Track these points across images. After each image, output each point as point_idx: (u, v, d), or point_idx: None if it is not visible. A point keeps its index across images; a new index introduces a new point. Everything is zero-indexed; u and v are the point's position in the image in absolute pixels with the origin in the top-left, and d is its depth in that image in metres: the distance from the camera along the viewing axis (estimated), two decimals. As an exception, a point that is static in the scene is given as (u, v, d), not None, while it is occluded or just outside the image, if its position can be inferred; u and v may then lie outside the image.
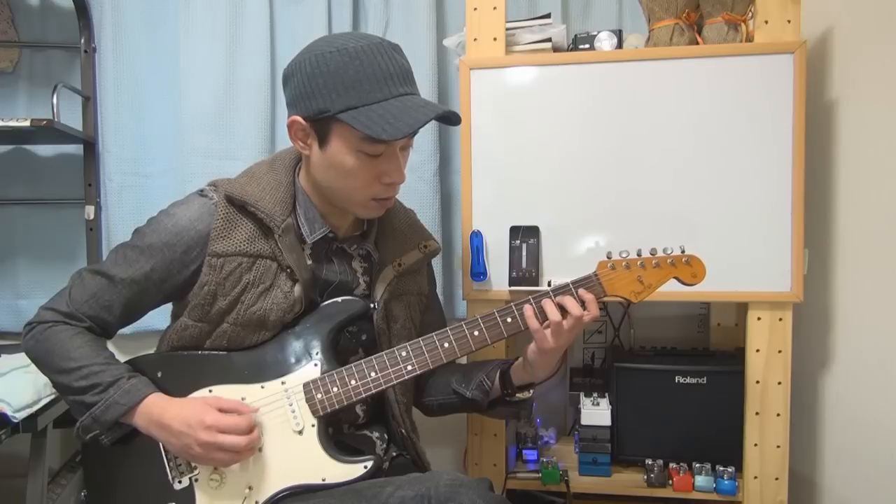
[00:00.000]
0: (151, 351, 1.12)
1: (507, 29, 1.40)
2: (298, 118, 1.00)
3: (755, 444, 1.37)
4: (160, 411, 0.98)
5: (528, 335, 1.07)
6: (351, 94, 0.95)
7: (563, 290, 1.06)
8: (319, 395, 1.03)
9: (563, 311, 1.04)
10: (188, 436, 0.95)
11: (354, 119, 0.94)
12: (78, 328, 1.04)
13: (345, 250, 1.13)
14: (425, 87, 1.69)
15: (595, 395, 1.50)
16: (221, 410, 0.98)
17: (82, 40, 1.74)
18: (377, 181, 1.02)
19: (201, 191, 1.08)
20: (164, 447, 1.02)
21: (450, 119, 1.01)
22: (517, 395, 1.15)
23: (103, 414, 0.98)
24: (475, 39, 1.40)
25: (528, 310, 1.05)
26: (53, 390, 1.39)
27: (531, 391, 1.15)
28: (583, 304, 1.04)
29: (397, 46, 1.00)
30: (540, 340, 1.05)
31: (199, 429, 0.95)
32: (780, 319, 1.34)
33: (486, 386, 1.15)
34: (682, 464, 1.43)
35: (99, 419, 0.98)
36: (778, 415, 1.36)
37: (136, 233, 1.07)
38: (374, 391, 1.04)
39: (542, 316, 1.05)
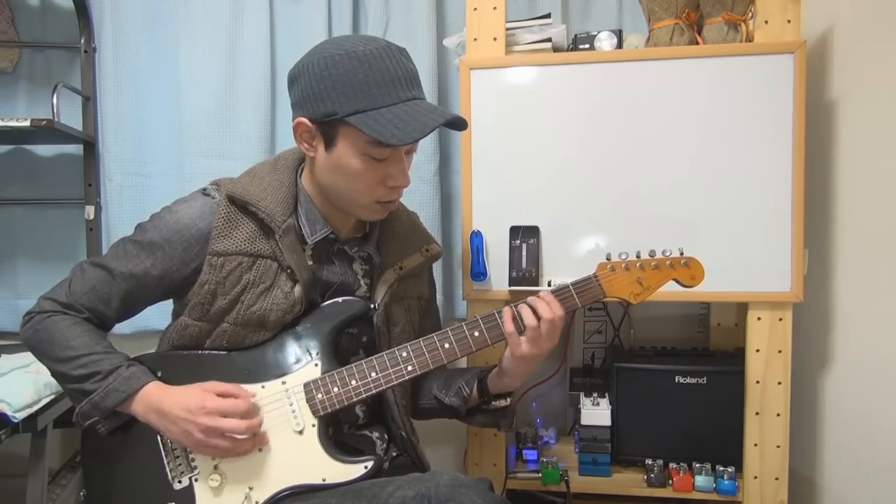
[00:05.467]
0: (152, 350, 1.12)
1: (507, 29, 1.40)
2: (304, 120, 1.00)
3: (755, 444, 1.37)
4: (159, 398, 0.98)
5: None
6: (359, 97, 0.95)
7: (561, 290, 1.07)
8: (320, 395, 1.03)
9: (536, 315, 1.04)
10: (189, 421, 0.95)
11: (363, 123, 0.94)
12: (76, 318, 1.04)
13: (346, 252, 1.13)
14: (425, 88, 1.67)
15: (595, 395, 1.50)
16: (220, 395, 0.98)
17: (82, 40, 1.74)
18: (382, 184, 1.02)
19: (204, 189, 1.08)
20: (162, 443, 1.02)
21: (457, 124, 1.01)
22: (493, 402, 1.15)
23: (102, 400, 0.98)
24: (475, 39, 1.40)
25: (508, 312, 1.05)
26: (53, 390, 1.39)
27: (508, 400, 1.15)
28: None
29: (404, 50, 1.00)
30: (514, 346, 1.06)
31: (199, 414, 0.95)
32: (780, 319, 1.34)
33: (464, 393, 1.15)
34: (682, 464, 1.43)
35: (98, 405, 0.98)
36: (778, 415, 1.36)
37: (138, 228, 1.08)
38: (374, 391, 1.04)
39: (519, 322, 1.05)
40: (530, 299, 1.06)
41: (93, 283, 1.05)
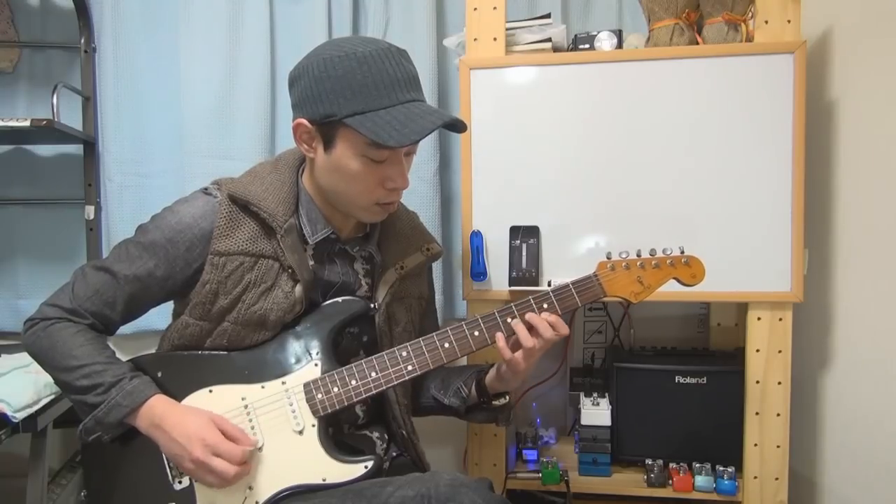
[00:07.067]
0: (152, 351, 1.12)
1: (507, 29, 1.40)
2: (304, 121, 1.00)
3: (755, 444, 1.37)
4: (161, 414, 0.98)
5: None
6: (358, 99, 0.95)
7: (561, 290, 1.07)
8: (320, 395, 1.03)
9: (532, 331, 1.04)
10: (184, 448, 0.95)
11: (361, 125, 0.94)
12: (80, 325, 1.03)
13: (347, 252, 1.13)
14: (425, 88, 1.68)
15: (595, 395, 1.50)
16: (224, 432, 0.97)
17: (82, 40, 1.74)
18: (381, 186, 1.02)
19: (205, 189, 1.08)
20: (163, 447, 1.02)
21: (456, 126, 1.01)
22: (493, 402, 1.16)
23: (106, 416, 0.97)
24: (475, 39, 1.40)
25: (500, 339, 1.05)
26: (53, 390, 1.39)
27: (507, 398, 1.16)
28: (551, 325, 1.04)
29: (405, 52, 1.00)
30: (513, 365, 1.06)
31: (196, 445, 0.94)
32: (780, 319, 1.35)
33: (462, 393, 1.16)
34: (682, 464, 1.43)
35: (102, 421, 0.98)
36: (778, 415, 1.36)
37: (139, 229, 1.07)
38: (374, 391, 1.04)
39: (512, 339, 1.05)
40: (528, 316, 1.05)
41: (96, 286, 1.04)
